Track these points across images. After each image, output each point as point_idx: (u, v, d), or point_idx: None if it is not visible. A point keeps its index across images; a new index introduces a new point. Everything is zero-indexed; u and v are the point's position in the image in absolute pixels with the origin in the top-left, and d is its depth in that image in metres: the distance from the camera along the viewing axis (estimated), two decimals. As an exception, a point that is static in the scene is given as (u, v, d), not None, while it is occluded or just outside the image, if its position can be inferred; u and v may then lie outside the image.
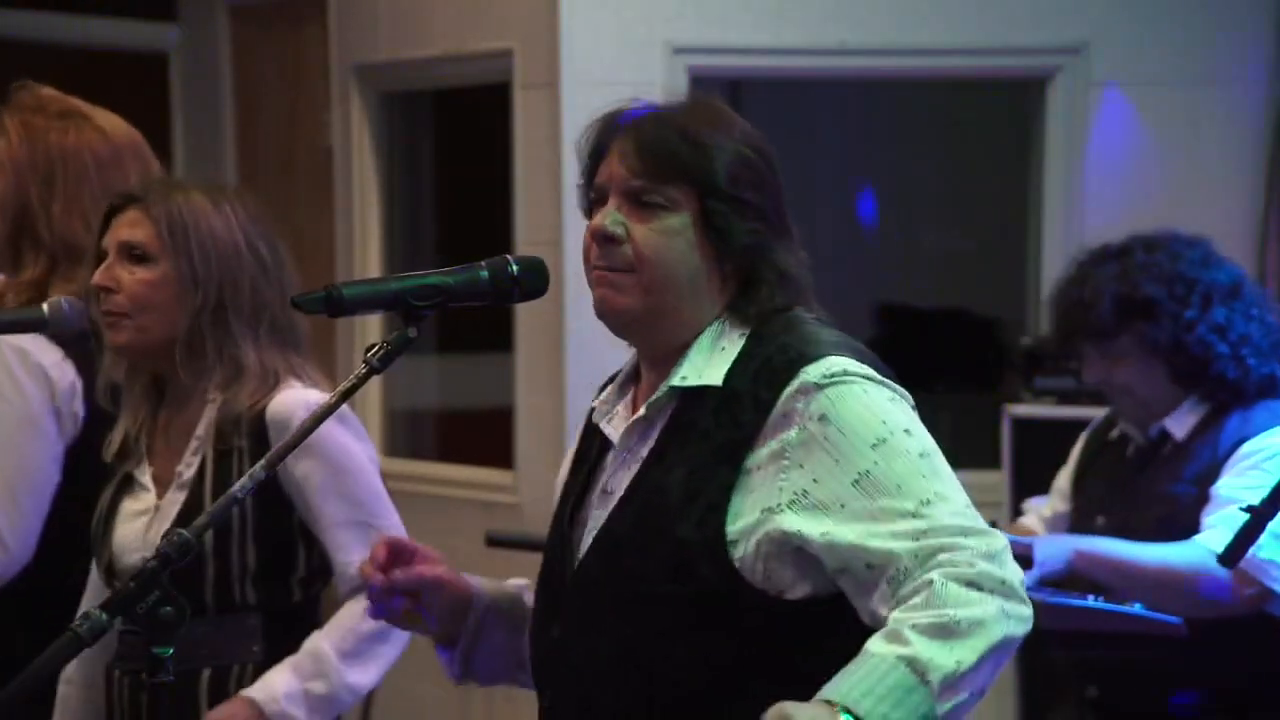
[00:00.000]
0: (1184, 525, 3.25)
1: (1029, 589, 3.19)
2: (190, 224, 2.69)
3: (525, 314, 5.25)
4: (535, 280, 2.15)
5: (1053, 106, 5.33)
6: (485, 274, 2.12)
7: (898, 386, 2.10)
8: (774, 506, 2.02)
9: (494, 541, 4.72)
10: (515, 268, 2.13)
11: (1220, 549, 2.67)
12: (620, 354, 2.25)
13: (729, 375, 2.09)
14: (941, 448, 2.07)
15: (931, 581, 1.92)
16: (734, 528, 2.03)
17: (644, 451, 2.14)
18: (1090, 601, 3.22)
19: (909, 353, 6.65)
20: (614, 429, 2.19)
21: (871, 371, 2.08)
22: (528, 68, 5.26)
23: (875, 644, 1.91)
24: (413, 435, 6.28)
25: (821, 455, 2.01)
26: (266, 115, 6.51)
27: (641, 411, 2.15)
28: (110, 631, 1.94)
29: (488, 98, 5.50)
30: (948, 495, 1.99)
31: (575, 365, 5.07)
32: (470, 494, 5.56)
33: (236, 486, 2.01)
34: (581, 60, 5.09)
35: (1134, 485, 3.43)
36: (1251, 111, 5.26)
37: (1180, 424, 3.37)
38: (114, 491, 2.79)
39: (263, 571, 2.68)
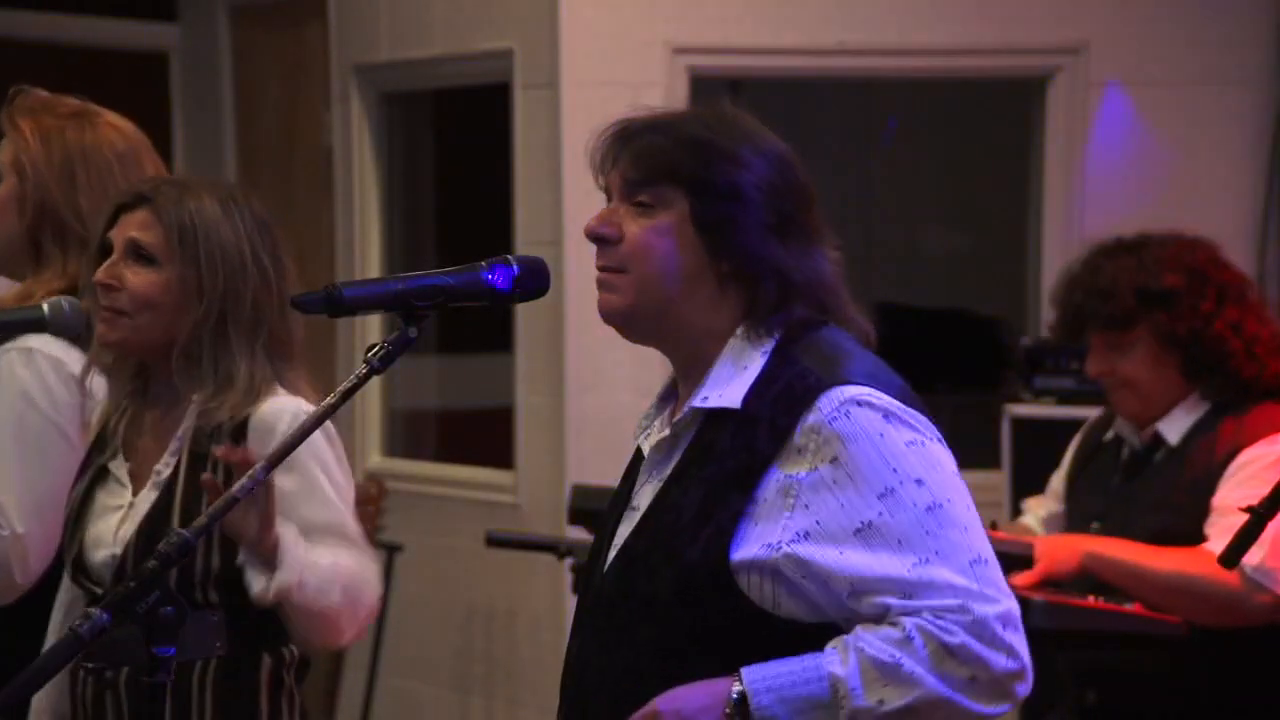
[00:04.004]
0: (1180, 535, 3.24)
1: (1029, 589, 3.22)
2: (202, 233, 2.66)
3: (525, 314, 5.25)
4: (535, 280, 2.16)
5: (1053, 106, 5.32)
6: (486, 274, 2.13)
7: (920, 418, 2.07)
8: (775, 543, 2.02)
9: (494, 541, 4.72)
10: (515, 268, 2.13)
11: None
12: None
13: (749, 397, 2.07)
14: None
15: (907, 630, 1.96)
16: (738, 555, 2.03)
17: (667, 470, 2.14)
18: (1090, 602, 3.23)
19: (909, 353, 6.63)
20: (648, 445, 2.19)
21: (893, 403, 2.05)
22: (528, 68, 5.26)
23: (828, 649, 1.98)
24: (413, 435, 6.27)
25: (828, 498, 2.01)
26: (266, 115, 6.51)
27: (667, 431, 2.15)
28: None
29: (488, 98, 5.49)
30: (950, 554, 1.99)
31: (575, 365, 5.06)
32: (470, 494, 5.55)
33: (236, 487, 2.03)
34: (581, 60, 5.09)
35: (1128, 492, 3.42)
36: (1252, 111, 5.26)
37: (1174, 428, 3.36)
38: (88, 484, 2.76)
39: (225, 575, 2.62)
